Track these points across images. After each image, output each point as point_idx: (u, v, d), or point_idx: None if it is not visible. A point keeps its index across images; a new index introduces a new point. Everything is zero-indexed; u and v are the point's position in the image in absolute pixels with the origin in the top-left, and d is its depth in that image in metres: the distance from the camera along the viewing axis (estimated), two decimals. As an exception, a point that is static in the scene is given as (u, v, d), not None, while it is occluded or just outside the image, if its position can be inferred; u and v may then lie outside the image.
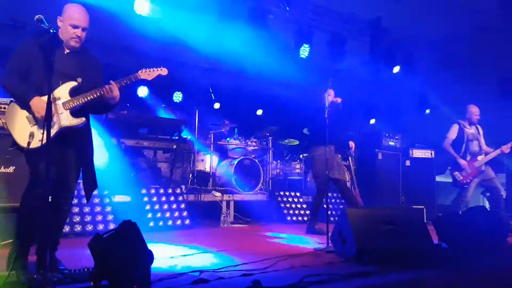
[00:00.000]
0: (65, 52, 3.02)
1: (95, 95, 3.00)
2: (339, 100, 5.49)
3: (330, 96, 5.52)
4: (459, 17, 6.99)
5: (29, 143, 2.80)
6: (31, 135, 2.82)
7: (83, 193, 5.03)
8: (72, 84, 2.98)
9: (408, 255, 3.57)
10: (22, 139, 2.83)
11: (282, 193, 7.25)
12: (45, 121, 2.49)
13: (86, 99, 2.98)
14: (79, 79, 2.99)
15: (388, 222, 3.72)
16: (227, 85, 9.63)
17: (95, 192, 5.18)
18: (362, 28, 7.37)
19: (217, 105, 9.03)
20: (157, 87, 8.69)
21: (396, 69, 7.68)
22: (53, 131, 2.83)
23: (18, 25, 6.58)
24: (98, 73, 3.20)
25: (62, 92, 2.94)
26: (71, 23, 2.97)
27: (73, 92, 2.98)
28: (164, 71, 3.31)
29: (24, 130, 2.85)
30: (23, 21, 6.56)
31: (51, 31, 2.64)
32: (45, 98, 2.79)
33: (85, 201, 4.99)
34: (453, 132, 6.37)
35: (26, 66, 2.90)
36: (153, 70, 3.26)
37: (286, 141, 8.24)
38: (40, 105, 2.81)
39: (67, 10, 3.01)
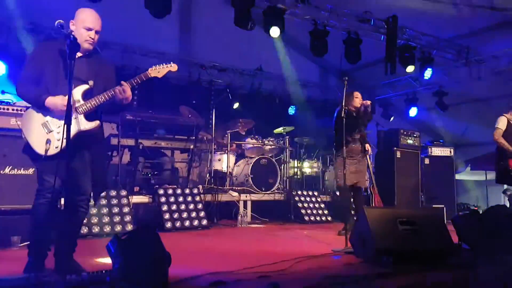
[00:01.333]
0: (77, 56, 2.99)
1: (107, 97, 3.00)
2: (368, 102, 5.43)
3: (357, 99, 5.49)
4: (475, 13, 6.85)
5: (46, 150, 2.82)
6: (48, 142, 2.84)
7: (102, 193, 5.18)
8: (84, 87, 2.98)
9: (428, 256, 3.51)
10: (39, 147, 2.85)
11: (299, 192, 7.22)
12: (65, 125, 2.51)
13: (99, 102, 2.99)
14: (91, 82, 3.00)
15: (407, 222, 3.66)
16: (244, 85, 9.64)
17: (113, 193, 5.28)
18: (378, 27, 7.26)
19: (236, 105, 9.03)
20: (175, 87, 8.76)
21: (410, 68, 7.56)
22: (71, 136, 2.84)
23: (37, 29, 6.70)
24: (110, 75, 3.19)
25: (75, 96, 2.95)
26: (85, 26, 2.99)
27: (85, 95, 2.99)
28: (174, 67, 3.26)
29: (41, 137, 2.87)
30: (42, 26, 6.68)
31: (72, 36, 2.67)
32: (58, 97, 2.86)
33: (103, 201, 5.11)
34: (502, 124, 6.08)
35: (39, 71, 2.93)
36: (163, 67, 3.22)
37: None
38: (56, 101, 2.84)
39: (80, 13, 3.04)
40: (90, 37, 3.01)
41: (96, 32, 3.05)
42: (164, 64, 3.23)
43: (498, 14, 6.84)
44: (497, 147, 6.10)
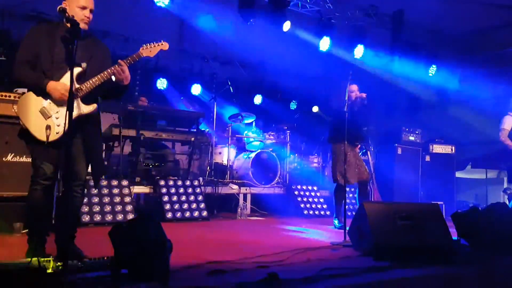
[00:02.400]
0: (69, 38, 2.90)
1: (105, 77, 2.95)
2: (363, 95, 5.40)
3: (353, 93, 5.44)
4: (484, 10, 6.83)
5: (47, 137, 2.80)
6: (48, 128, 2.81)
7: (104, 183, 5.20)
8: (77, 70, 2.92)
9: (426, 251, 3.52)
10: (39, 133, 2.83)
11: (299, 186, 7.24)
12: (68, 111, 2.49)
13: (95, 84, 2.94)
14: (84, 64, 2.94)
15: (406, 217, 3.68)
16: (245, 78, 9.64)
17: (115, 183, 5.31)
18: (384, 21, 7.25)
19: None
20: (176, 79, 8.76)
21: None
22: (67, 121, 2.82)
23: (40, 16, 6.70)
24: (106, 56, 3.15)
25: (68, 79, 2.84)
26: (79, 5, 2.94)
27: (79, 78, 2.93)
28: (165, 46, 3.20)
29: (40, 124, 2.84)
30: (44, 12, 6.67)
31: (74, 21, 2.66)
32: (59, 83, 2.82)
33: (105, 190, 5.12)
34: (508, 124, 6.07)
35: (34, 55, 2.89)
36: (154, 46, 3.16)
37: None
38: (58, 86, 2.82)
39: None
40: (85, 16, 2.95)
41: (91, 11, 3.00)
42: (155, 42, 3.17)
43: (505, 12, 6.82)
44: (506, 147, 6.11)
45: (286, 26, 6.40)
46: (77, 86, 2.92)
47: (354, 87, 5.49)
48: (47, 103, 2.89)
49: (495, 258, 3.56)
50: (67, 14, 2.74)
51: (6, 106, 4.43)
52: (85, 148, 3.03)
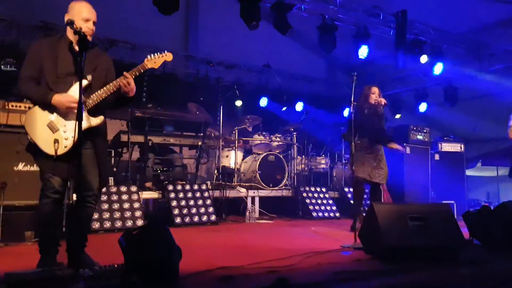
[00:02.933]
0: (76, 50, 2.94)
1: (111, 90, 2.96)
2: (382, 101, 5.26)
3: (374, 95, 5.34)
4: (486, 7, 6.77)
5: (56, 151, 2.81)
6: (56, 142, 2.83)
7: (113, 189, 5.23)
8: (83, 82, 2.86)
9: (438, 252, 3.49)
10: (48, 147, 2.84)
11: (307, 188, 7.22)
12: (77, 122, 2.49)
13: (102, 96, 2.96)
14: (89, 77, 2.96)
15: (417, 218, 3.64)
16: (251, 82, 9.64)
17: (124, 189, 5.33)
18: (387, 21, 7.22)
19: (238, 103, 8.99)
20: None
21: (424, 58, 7.47)
22: (76, 134, 2.81)
23: (48, 27, 6.77)
24: (109, 67, 3.17)
25: (77, 92, 2.83)
26: (83, 17, 2.96)
27: (85, 91, 2.92)
28: (169, 56, 3.21)
29: (48, 138, 2.85)
30: (52, 23, 6.74)
31: (82, 33, 2.68)
32: (64, 94, 2.84)
33: (114, 196, 5.14)
34: None
35: (38, 70, 2.90)
36: (159, 57, 3.17)
37: None
38: (63, 98, 2.83)
39: (75, 6, 3.00)
40: (89, 28, 2.97)
41: (94, 23, 3.02)
42: (159, 53, 3.18)
43: (510, 9, 6.76)
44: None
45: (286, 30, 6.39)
46: (84, 99, 2.93)
47: (375, 90, 5.38)
48: (54, 117, 2.91)
49: (508, 258, 3.51)
50: (75, 26, 2.74)
51: (16, 116, 4.49)
52: (95, 159, 3.06)
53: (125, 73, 3.00)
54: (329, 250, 3.93)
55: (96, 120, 3.01)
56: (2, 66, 6.31)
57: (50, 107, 2.88)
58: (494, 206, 4.40)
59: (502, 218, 3.95)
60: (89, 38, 2.98)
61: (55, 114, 2.91)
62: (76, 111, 2.69)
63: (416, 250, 3.47)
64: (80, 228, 3.06)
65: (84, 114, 2.94)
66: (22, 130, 4.19)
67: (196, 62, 8.92)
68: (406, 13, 6.83)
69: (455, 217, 3.92)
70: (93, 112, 2.99)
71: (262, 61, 9.54)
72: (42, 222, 2.95)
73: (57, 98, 2.84)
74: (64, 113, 2.89)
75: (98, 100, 2.96)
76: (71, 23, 2.77)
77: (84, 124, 2.90)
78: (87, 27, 2.96)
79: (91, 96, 2.95)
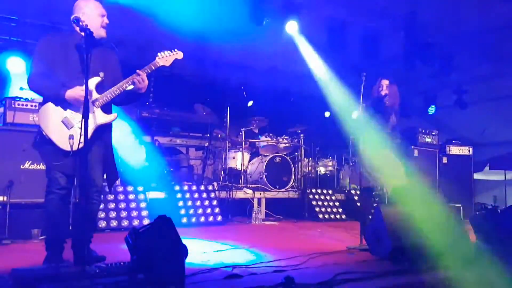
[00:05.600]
0: (84, 47, 2.89)
1: (124, 87, 2.99)
2: (382, 93, 5.09)
3: (381, 87, 5.18)
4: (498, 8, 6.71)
5: (71, 146, 2.82)
6: (71, 137, 2.83)
7: (120, 189, 5.25)
8: (96, 79, 2.96)
9: (444, 254, 3.46)
10: (63, 143, 2.85)
11: (314, 190, 7.20)
12: (83, 119, 2.52)
13: (115, 94, 2.98)
14: (101, 74, 2.99)
15: (424, 220, 3.62)
16: (258, 83, 9.63)
17: (130, 189, 5.35)
18: (397, 24, 7.19)
19: (250, 103, 9.02)
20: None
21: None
22: (90, 130, 2.83)
23: (55, 26, 6.80)
24: (117, 65, 3.21)
25: (90, 89, 2.89)
26: (100, 13, 3.02)
27: (98, 88, 2.98)
28: (179, 55, 3.24)
29: (63, 134, 2.86)
30: (59, 22, 6.78)
31: (88, 30, 2.70)
32: (77, 88, 2.84)
33: (121, 196, 5.17)
34: None
35: (49, 65, 2.91)
36: (170, 55, 3.20)
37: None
38: (76, 94, 2.83)
39: (88, 4, 3.03)
40: (105, 22, 3.05)
41: (107, 17, 3.08)
42: (169, 51, 3.22)
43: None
44: None
45: (290, 27, 6.39)
46: (97, 96, 2.97)
47: (384, 82, 5.20)
48: (69, 113, 2.92)
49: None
50: (81, 23, 2.76)
51: (24, 114, 4.53)
52: (103, 156, 3.09)
53: (138, 71, 3.03)
54: (335, 251, 3.92)
55: (110, 117, 3.04)
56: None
57: (63, 103, 2.89)
58: (501, 209, 4.36)
59: (509, 221, 3.91)
60: (105, 33, 3.06)
61: (69, 110, 2.92)
62: (90, 105, 2.74)
63: (422, 251, 3.44)
64: (85, 224, 3.06)
65: (98, 111, 2.98)
66: (29, 129, 4.29)
67: (203, 63, 8.93)
68: (415, 15, 6.80)
69: (463, 220, 3.89)
70: (106, 109, 3.02)
71: (270, 62, 9.52)
72: (49, 217, 2.97)
73: (70, 93, 2.86)
74: (78, 109, 2.88)
75: (112, 97, 2.99)
76: (77, 20, 2.78)
77: (99, 121, 2.95)
78: (104, 21, 3.03)
79: (105, 93, 2.98)
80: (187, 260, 2.59)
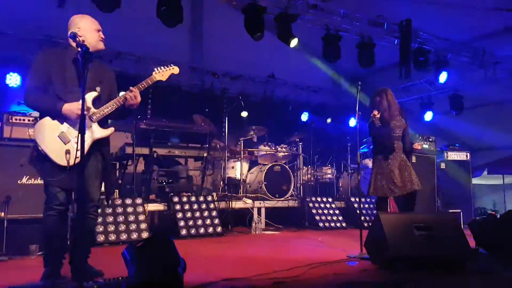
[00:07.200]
0: (80, 62, 2.89)
1: (119, 103, 3.01)
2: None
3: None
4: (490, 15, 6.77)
5: (68, 161, 2.82)
6: (68, 152, 2.83)
7: (118, 201, 5.23)
8: (93, 94, 2.98)
9: (445, 262, 3.45)
10: (59, 158, 2.84)
11: (313, 198, 7.18)
12: (79, 134, 2.52)
13: (111, 109, 3.00)
14: (98, 88, 3.01)
15: (424, 227, 3.61)
16: (256, 92, 9.67)
17: (129, 202, 5.34)
18: (392, 31, 7.24)
19: (244, 113, 9.05)
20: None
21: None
22: (87, 145, 2.84)
23: (52, 40, 6.84)
24: (113, 80, 3.23)
25: (87, 103, 2.92)
26: (96, 28, 3.07)
27: (95, 102, 3.00)
28: (176, 70, 3.29)
29: (59, 149, 2.85)
30: (55, 37, 6.81)
31: (85, 46, 2.71)
32: (74, 103, 2.85)
33: (119, 209, 5.15)
34: None
35: (46, 80, 2.92)
36: (166, 70, 3.24)
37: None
38: (73, 108, 2.84)
39: (83, 20, 3.06)
40: (102, 37, 3.09)
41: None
42: (166, 66, 3.26)
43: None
44: None
45: (294, 43, 6.48)
46: (94, 110, 2.98)
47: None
48: (65, 127, 2.91)
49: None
50: (77, 39, 2.78)
51: (21, 129, 4.53)
52: (100, 170, 3.08)
53: (131, 87, 3.05)
54: (335, 260, 3.90)
55: (107, 131, 3.05)
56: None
57: (60, 118, 2.90)
58: (501, 215, 4.35)
59: (509, 226, 3.90)
60: (103, 46, 3.11)
61: (65, 124, 2.92)
62: (87, 120, 2.74)
63: (422, 260, 3.43)
64: (82, 239, 3.04)
65: (95, 125, 2.99)
66: (26, 144, 4.28)
67: (201, 74, 8.97)
68: (410, 22, 6.84)
69: (462, 225, 3.88)
70: (102, 124, 3.03)
71: (267, 72, 9.57)
72: (48, 233, 2.96)
73: (67, 107, 2.86)
74: (75, 124, 2.89)
75: (107, 113, 3.00)
76: (74, 36, 2.80)
77: (96, 135, 2.96)
78: (100, 36, 3.08)
79: (102, 108, 2.99)
80: (186, 274, 2.57)
